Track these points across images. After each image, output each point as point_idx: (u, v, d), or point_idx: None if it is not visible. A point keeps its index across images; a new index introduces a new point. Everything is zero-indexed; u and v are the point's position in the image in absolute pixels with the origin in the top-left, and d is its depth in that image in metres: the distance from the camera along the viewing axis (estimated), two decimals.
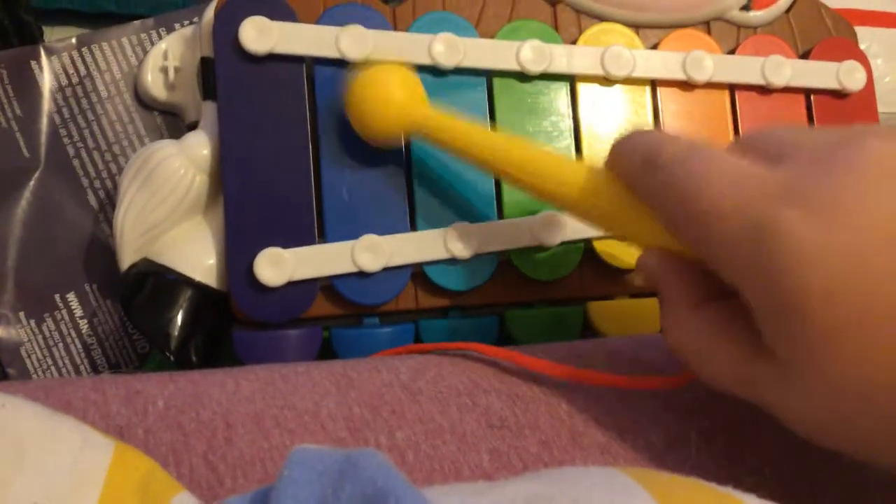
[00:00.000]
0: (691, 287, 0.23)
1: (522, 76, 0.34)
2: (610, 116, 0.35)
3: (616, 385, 0.25)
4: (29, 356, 0.36)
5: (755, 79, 0.36)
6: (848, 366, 0.19)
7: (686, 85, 0.36)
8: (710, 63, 0.36)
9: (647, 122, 0.36)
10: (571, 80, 0.35)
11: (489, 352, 0.26)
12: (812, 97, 0.38)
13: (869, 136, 0.20)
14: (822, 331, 0.19)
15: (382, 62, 0.31)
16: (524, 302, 0.34)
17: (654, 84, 0.36)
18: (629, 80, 0.35)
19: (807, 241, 0.18)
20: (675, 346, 0.23)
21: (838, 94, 0.38)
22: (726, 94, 0.37)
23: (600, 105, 0.35)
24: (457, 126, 0.30)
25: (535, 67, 0.34)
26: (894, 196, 0.18)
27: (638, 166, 0.24)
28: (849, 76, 0.37)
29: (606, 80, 0.35)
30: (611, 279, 0.35)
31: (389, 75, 0.31)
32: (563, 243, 0.33)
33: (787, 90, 0.37)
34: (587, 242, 0.34)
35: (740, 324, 0.21)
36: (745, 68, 0.36)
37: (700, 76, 0.36)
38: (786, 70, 0.37)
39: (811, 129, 0.22)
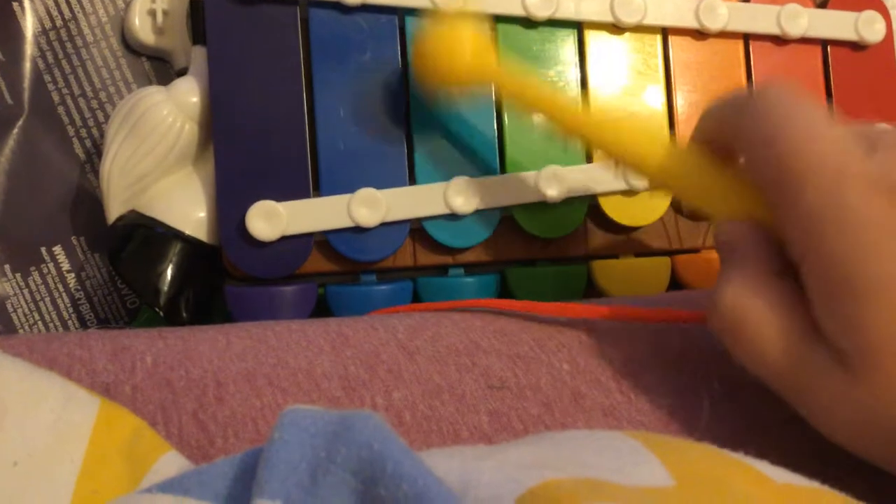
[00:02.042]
0: (766, 255, 0.22)
1: (528, 22, 0.33)
2: (619, 66, 0.34)
3: (645, 318, 0.24)
4: (15, 311, 0.35)
5: (771, 28, 0.35)
6: None
7: (699, 34, 0.35)
8: (724, 11, 0.34)
9: (658, 72, 0.34)
10: (579, 26, 0.34)
11: (503, 305, 0.26)
12: (829, 48, 0.36)
13: None
14: (888, 323, 0.18)
15: (453, 13, 0.30)
16: (526, 260, 0.33)
17: (665, 32, 0.35)
18: (639, 28, 0.34)
19: (892, 230, 0.18)
20: (733, 312, 0.22)
21: (856, 46, 0.37)
22: (740, 44, 0.36)
23: (609, 54, 0.34)
24: (528, 85, 0.28)
25: (541, 12, 0.32)
26: None
27: (733, 114, 0.23)
28: (868, 27, 0.36)
29: (616, 28, 0.34)
30: (616, 237, 0.34)
31: (459, 28, 0.29)
32: (567, 200, 0.32)
33: (803, 41, 0.36)
34: (592, 199, 0.33)
35: (804, 303, 0.21)
36: (761, 17, 0.35)
37: (713, 24, 0.34)
38: (802, 19, 0.35)
39: None
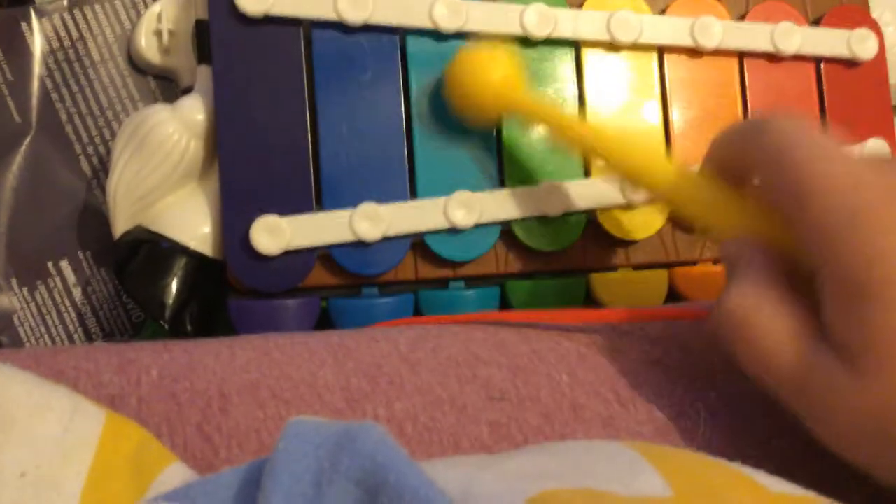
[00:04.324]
0: (773, 265, 0.23)
1: (526, 41, 0.34)
2: (615, 84, 0.35)
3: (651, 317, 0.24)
4: (21, 324, 0.36)
5: (765, 46, 0.36)
6: None
7: (694, 52, 0.35)
8: (718, 29, 0.35)
9: (654, 90, 0.35)
10: (576, 45, 0.34)
11: (501, 317, 0.26)
12: (822, 66, 0.37)
13: None
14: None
15: (485, 43, 0.32)
16: (526, 273, 0.34)
17: (660, 51, 0.35)
18: (636, 47, 0.35)
19: None
20: (740, 312, 0.22)
21: (849, 63, 0.37)
22: (735, 62, 0.36)
23: (606, 72, 0.35)
24: (550, 113, 0.31)
25: (539, 32, 0.33)
26: None
27: (743, 139, 0.24)
28: (860, 44, 0.37)
29: (612, 47, 0.35)
30: (614, 250, 0.34)
31: (490, 57, 0.31)
32: (566, 213, 0.33)
33: (797, 58, 0.36)
34: (590, 213, 0.33)
35: (811, 310, 0.21)
36: (755, 35, 0.35)
37: (708, 42, 0.35)
38: (796, 37, 0.36)
39: None
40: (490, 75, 0.31)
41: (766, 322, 0.21)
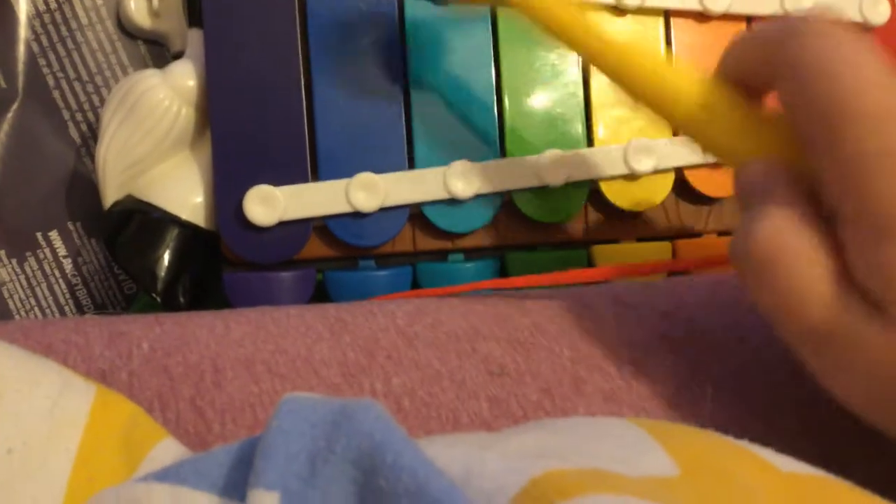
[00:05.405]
0: (802, 196, 0.20)
1: None
2: None
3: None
4: (11, 296, 0.35)
5: (774, 10, 0.35)
6: None
7: (701, 16, 0.35)
8: None
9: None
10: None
11: (501, 284, 0.25)
12: None
13: None
14: None
15: None
16: (527, 245, 0.33)
17: (667, 14, 0.34)
18: (641, 10, 0.34)
19: None
20: (771, 248, 0.20)
21: (861, 28, 0.36)
22: (743, 27, 0.35)
23: None
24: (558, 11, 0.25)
25: None
26: None
27: (769, 45, 0.21)
28: (872, 9, 0.36)
29: (618, 10, 0.34)
30: (617, 222, 0.34)
31: None
32: (567, 184, 0.32)
33: None
34: (593, 183, 0.33)
35: (838, 249, 0.19)
36: None
37: (716, 6, 0.34)
38: (806, 1, 0.35)
39: None
40: None
41: (798, 260, 0.19)
